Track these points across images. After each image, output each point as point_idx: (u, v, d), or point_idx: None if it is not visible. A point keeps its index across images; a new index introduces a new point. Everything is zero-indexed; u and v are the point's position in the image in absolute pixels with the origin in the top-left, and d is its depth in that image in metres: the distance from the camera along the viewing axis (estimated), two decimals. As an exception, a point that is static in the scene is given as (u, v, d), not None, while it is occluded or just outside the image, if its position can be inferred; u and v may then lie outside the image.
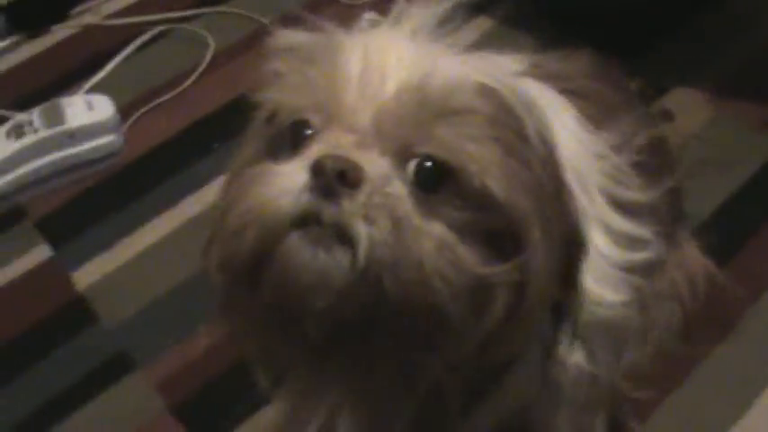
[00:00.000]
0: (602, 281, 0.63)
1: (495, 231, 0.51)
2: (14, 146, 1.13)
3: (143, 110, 1.24)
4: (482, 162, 0.49)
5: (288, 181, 0.49)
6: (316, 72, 0.52)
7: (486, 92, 0.51)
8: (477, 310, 0.50)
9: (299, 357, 0.57)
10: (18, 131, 1.14)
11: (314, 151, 0.49)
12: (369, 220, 0.47)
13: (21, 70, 1.35)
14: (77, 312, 1.02)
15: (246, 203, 0.51)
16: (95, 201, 1.15)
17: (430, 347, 0.52)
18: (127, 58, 1.33)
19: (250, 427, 0.88)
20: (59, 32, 1.41)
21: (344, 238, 0.47)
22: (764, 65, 1.23)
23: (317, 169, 0.48)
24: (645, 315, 0.73)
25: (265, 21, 1.34)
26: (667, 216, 0.78)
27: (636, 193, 0.67)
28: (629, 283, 0.65)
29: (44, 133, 1.14)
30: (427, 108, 0.49)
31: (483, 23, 1.30)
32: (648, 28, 1.26)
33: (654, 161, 0.75)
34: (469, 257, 0.49)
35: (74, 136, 1.15)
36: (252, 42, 1.32)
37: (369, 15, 1.36)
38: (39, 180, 1.16)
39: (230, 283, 0.53)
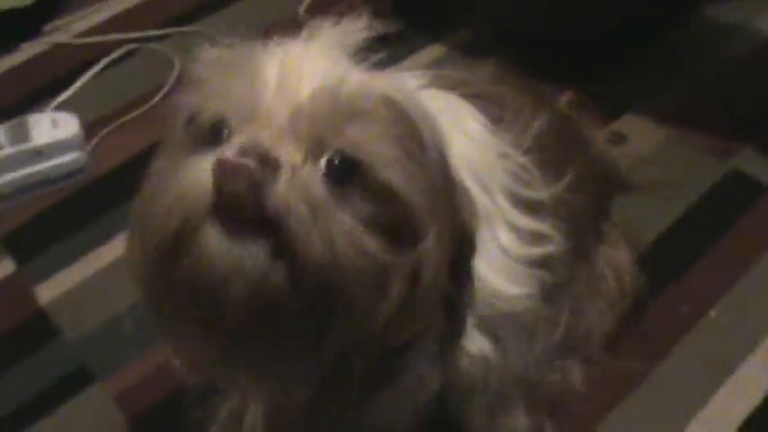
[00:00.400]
0: (504, 275, 0.67)
1: (394, 225, 0.55)
2: (-21, 162, 1.15)
3: (109, 128, 1.25)
4: (385, 159, 0.54)
5: (207, 169, 0.51)
6: (235, 78, 0.55)
7: (389, 102, 0.55)
8: (378, 294, 0.54)
9: (212, 345, 0.58)
10: (-17, 147, 1.16)
11: (233, 143, 0.52)
12: (287, 204, 0.50)
13: (-12, 87, 1.36)
14: (39, 326, 1.03)
15: (167, 192, 0.54)
16: (60, 217, 1.16)
17: (335, 329, 0.54)
18: (94, 77, 1.35)
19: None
20: (29, 49, 1.42)
21: (264, 219, 0.50)
22: (716, 94, 1.27)
23: (241, 154, 0.50)
24: (551, 309, 0.77)
25: (231, 42, 1.36)
26: (585, 211, 0.82)
27: (537, 191, 0.71)
28: (533, 276, 0.70)
29: (9, 150, 1.16)
30: (338, 110, 0.53)
31: (435, 50, 1.34)
32: (604, 55, 1.29)
33: (557, 155, 0.78)
34: (374, 245, 0.53)
35: (39, 153, 1.17)
36: (218, 62, 1.35)
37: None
38: (4, 196, 1.17)
39: (148, 273, 0.56)
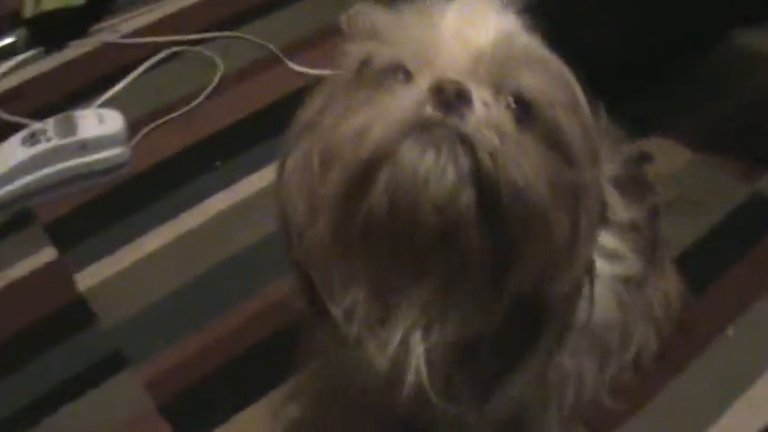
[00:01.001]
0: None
1: (559, 166, 0.58)
2: (28, 153, 1.19)
3: (152, 126, 1.30)
4: (555, 102, 0.58)
5: (404, 99, 0.55)
6: (412, 26, 0.59)
7: (551, 56, 0.60)
8: (556, 220, 0.57)
9: (394, 268, 0.59)
10: (32, 139, 1.20)
11: (422, 81, 0.56)
12: (483, 130, 0.54)
13: (39, 82, 1.41)
14: (77, 312, 1.07)
15: (359, 123, 0.56)
16: (101, 209, 1.20)
17: (519, 257, 0.57)
18: (140, 76, 1.39)
19: (232, 427, 0.93)
20: (78, 48, 1.47)
21: (464, 142, 0.53)
22: (743, 119, 1.29)
23: (438, 88, 0.54)
24: (625, 330, 0.79)
25: (273, 47, 1.41)
26: (648, 237, 0.83)
27: (619, 212, 0.73)
28: (613, 293, 0.72)
29: (56, 142, 1.20)
30: (515, 56, 0.58)
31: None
32: (635, 75, 1.32)
33: (634, 182, 0.80)
34: (554, 173, 0.57)
35: (84, 147, 1.21)
36: (259, 67, 1.39)
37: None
38: (49, 186, 1.21)
39: (342, 195, 0.57)
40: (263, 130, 1.26)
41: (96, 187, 1.23)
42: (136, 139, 1.28)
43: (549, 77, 0.59)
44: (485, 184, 0.53)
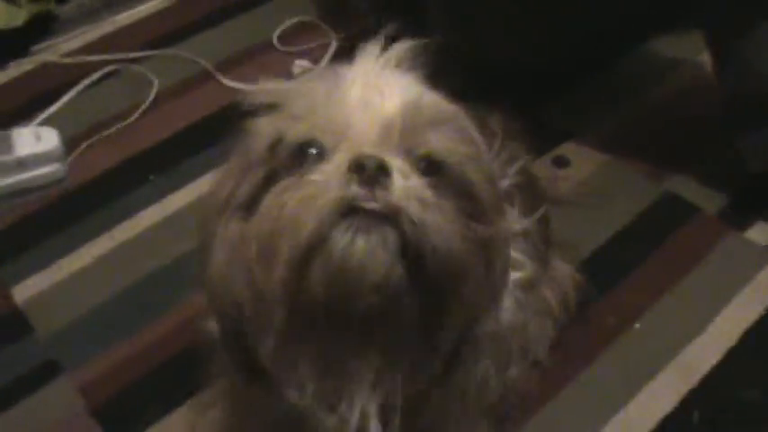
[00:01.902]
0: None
1: (471, 216, 0.63)
2: (-34, 171, 1.22)
3: (88, 142, 1.33)
4: (463, 157, 0.62)
5: (329, 179, 0.58)
6: (318, 98, 0.62)
7: (453, 111, 0.64)
8: (478, 272, 0.62)
9: (340, 347, 0.63)
10: (-29, 158, 1.23)
11: (341, 157, 0.59)
12: (406, 203, 0.57)
13: (-21, 102, 1.44)
14: (14, 323, 1.11)
15: (291, 208, 0.58)
16: (38, 223, 1.24)
17: (451, 313, 0.62)
18: (78, 94, 1.43)
19: (160, 429, 0.98)
20: (18, 67, 1.50)
21: (390, 219, 0.57)
22: (656, 122, 1.35)
23: (358, 165, 0.57)
24: (525, 332, 0.83)
25: (206, 63, 1.45)
26: (539, 241, 0.88)
27: (513, 223, 0.78)
28: (514, 298, 0.76)
29: (-6, 160, 1.23)
30: (421, 120, 0.61)
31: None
32: (552, 82, 1.37)
33: (526, 193, 0.85)
34: (471, 225, 0.62)
35: (22, 164, 1.25)
36: (193, 83, 1.43)
37: (300, 62, 1.48)
38: (-13, 203, 1.25)
39: (282, 285, 0.59)
40: (195, 144, 1.30)
41: (33, 203, 1.26)
42: (73, 156, 1.32)
43: (456, 134, 0.63)
44: (412, 254, 0.57)
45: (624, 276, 1.13)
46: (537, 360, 0.99)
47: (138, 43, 1.53)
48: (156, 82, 1.43)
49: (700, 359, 1.03)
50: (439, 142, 0.62)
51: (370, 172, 0.57)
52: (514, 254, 0.76)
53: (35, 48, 1.54)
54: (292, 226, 0.57)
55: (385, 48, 0.66)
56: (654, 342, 1.06)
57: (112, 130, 1.35)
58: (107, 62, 1.48)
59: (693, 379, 1.01)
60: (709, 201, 1.23)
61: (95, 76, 1.46)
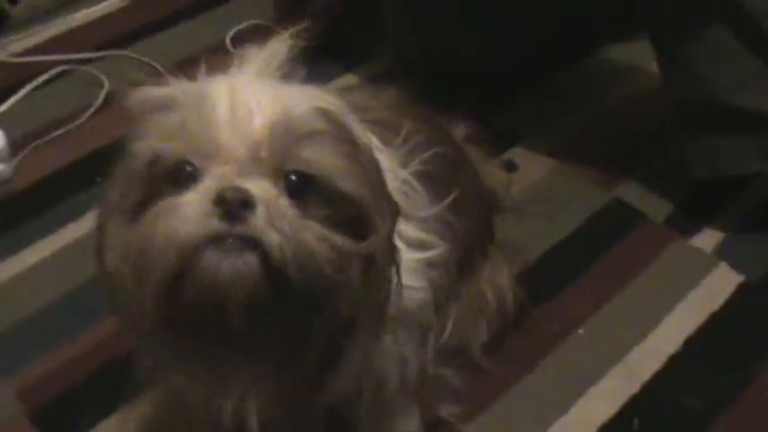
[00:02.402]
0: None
1: (351, 221, 0.64)
2: None
3: (36, 143, 1.33)
4: (333, 169, 0.63)
5: (193, 211, 0.60)
6: (188, 117, 0.62)
7: (324, 114, 0.65)
8: (346, 278, 0.64)
9: (213, 349, 0.67)
10: None
11: (207, 184, 0.61)
12: (269, 229, 0.59)
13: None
14: (-47, 326, 1.09)
15: (160, 234, 0.61)
16: (-20, 223, 1.23)
17: (321, 316, 0.65)
18: (28, 95, 1.42)
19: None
20: (-35, 68, 1.49)
21: (252, 245, 0.59)
22: (606, 129, 1.36)
23: (220, 200, 0.59)
24: (438, 308, 0.84)
25: (158, 65, 1.44)
26: (468, 232, 0.89)
27: (421, 209, 0.79)
28: (422, 273, 0.78)
29: (-62, 161, 1.22)
30: (287, 136, 0.62)
31: (348, 80, 1.43)
32: (502, 88, 1.38)
33: (444, 180, 0.86)
34: (339, 240, 0.63)
35: (-34, 164, 1.24)
36: (144, 86, 1.42)
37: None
38: (-69, 204, 1.23)
39: (152, 299, 0.62)
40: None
41: (-23, 204, 1.25)
42: (20, 156, 1.31)
43: (328, 147, 0.64)
44: (275, 275, 0.60)
45: (569, 282, 1.13)
46: (472, 361, 0.99)
47: (90, 44, 1.52)
48: (106, 83, 1.42)
49: (642, 365, 1.04)
50: (308, 157, 0.63)
51: (231, 206, 0.59)
52: (423, 234, 0.78)
53: (-16, 47, 1.53)
54: (161, 251, 0.60)
55: (262, 55, 0.67)
56: (596, 348, 1.06)
57: (61, 131, 1.35)
58: (58, 62, 1.48)
59: (635, 385, 1.02)
60: (656, 208, 1.23)
61: (45, 76, 1.45)
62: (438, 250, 0.79)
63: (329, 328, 0.67)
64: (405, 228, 0.76)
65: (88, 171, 1.28)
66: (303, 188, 0.63)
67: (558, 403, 1.00)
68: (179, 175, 0.62)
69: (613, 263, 1.16)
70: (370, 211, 0.65)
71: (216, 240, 0.59)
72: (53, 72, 1.46)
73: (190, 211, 0.60)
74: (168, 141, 0.63)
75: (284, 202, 0.61)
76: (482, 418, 0.99)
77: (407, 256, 0.76)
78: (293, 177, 0.62)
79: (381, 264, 0.67)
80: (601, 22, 1.47)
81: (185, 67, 1.46)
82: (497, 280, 1.01)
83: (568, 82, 1.43)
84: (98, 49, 1.50)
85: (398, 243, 0.75)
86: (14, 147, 1.30)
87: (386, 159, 0.78)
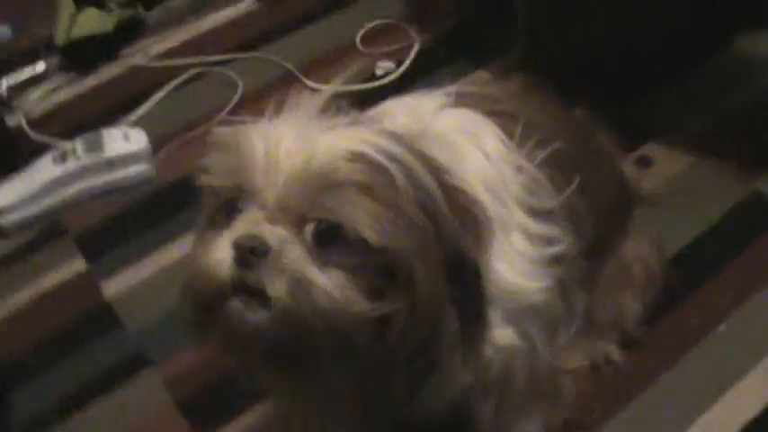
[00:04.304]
0: (520, 273, 0.74)
1: (385, 267, 0.65)
2: (59, 170, 1.27)
3: (174, 143, 1.37)
4: (360, 218, 0.63)
5: (220, 254, 0.64)
6: (234, 160, 0.66)
7: (357, 157, 0.64)
8: (378, 331, 0.65)
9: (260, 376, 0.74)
10: (63, 158, 1.28)
11: (236, 227, 0.64)
12: (275, 280, 0.62)
13: (71, 104, 1.49)
14: (104, 317, 1.14)
15: (197, 269, 0.65)
16: (128, 221, 1.28)
17: (353, 359, 0.66)
18: (165, 96, 1.47)
19: (245, 422, 1.00)
20: (107, 71, 1.55)
21: (264, 298, 0.62)
22: (743, 122, 1.32)
23: (236, 246, 0.63)
24: (567, 300, 0.83)
25: (291, 66, 1.47)
26: (601, 214, 0.87)
27: (547, 201, 0.78)
28: (547, 273, 0.77)
29: (85, 160, 1.27)
30: (313, 185, 0.63)
31: (480, 76, 1.42)
32: (637, 81, 1.35)
33: (571, 167, 0.84)
34: (358, 298, 0.64)
35: (111, 163, 1.29)
36: (277, 85, 1.45)
37: (382, 64, 1.48)
38: (79, 201, 1.29)
39: (195, 322, 0.68)
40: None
41: (123, 201, 1.30)
42: (160, 156, 1.35)
43: (353, 191, 0.63)
44: (286, 324, 0.63)
45: (709, 277, 1.11)
46: (627, 335, 1.00)
47: (223, 46, 1.56)
48: (240, 84, 1.45)
49: (786, 364, 1.01)
50: (332, 206, 0.63)
51: (244, 254, 0.62)
52: (548, 229, 0.78)
53: (124, 52, 1.59)
54: (195, 288, 0.66)
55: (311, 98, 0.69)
56: (738, 345, 1.04)
57: (198, 131, 1.38)
58: (193, 65, 1.52)
59: (779, 384, 0.99)
60: (798, 201, 1.19)
61: (182, 78, 1.49)
62: (563, 245, 0.78)
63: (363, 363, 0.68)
64: (529, 223, 0.76)
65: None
66: (329, 236, 0.64)
67: (699, 401, 0.98)
68: (231, 212, 0.66)
69: (754, 257, 1.13)
70: (408, 256, 0.64)
71: (238, 287, 0.63)
72: (189, 74, 1.50)
73: (217, 253, 0.64)
74: (218, 179, 0.67)
75: (298, 250, 0.63)
76: (620, 417, 0.97)
77: (531, 252, 0.76)
78: (318, 225, 0.64)
79: (425, 315, 0.66)
80: (733, 11, 1.43)
81: (318, 66, 1.51)
82: (641, 253, 1.00)
83: (702, 75, 1.39)
84: (230, 51, 1.54)
85: (522, 240, 0.76)
86: (155, 147, 1.35)
87: (509, 153, 0.78)
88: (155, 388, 1.05)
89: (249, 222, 0.64)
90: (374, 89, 1.39)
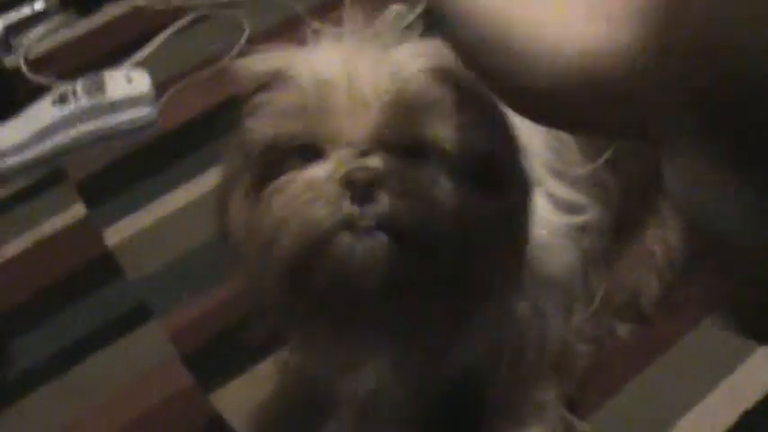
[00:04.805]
0: (542, 240, 0.70)
1: (483, 177, 0.62)
2: (59, 113, 1.23)
3: (179, 86, 1.32)
4: (453, 132, 0.61)
5: (323, 194, 0.59)
6: (306, 99, 0.61)
7: (442, 73, 0.61)
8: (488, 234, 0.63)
9: (341, 325, 0.67)
10: (62, 100, 1.23)
11: (334, 165, 0.60)
12: (400, 204, 0.58)
13: (71, 45, 1.44)
14: (105, 266, 1.11)
15: (290, 215, 0.60)
16: (129, 167, 1.24)
17: (457, 282, 0.63)
18: (168, 38, 1.42)
19: (253, 375, 0.97)
20: (110, 11, 1.49)
21: (384, 224, 0.58)
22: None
23: (349, 181, 0.59)
24: (587, 278, 0.80)
25: (299, 8, 1.42)
26: (628, 190, 0.84)
27: (575, 167, 0.74)
28: (570, 242, 0.73)
29: (85, 102, 1.23)
30: (405, 111, 0.60)
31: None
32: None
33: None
34: (471, 197, 0.61)
35: (113, 106, 1.24)
36: (284, 28, 1.40)
37: (395, 7, 1.43)
38: (79, 145, 1.25)
39: (280, 278, 0.62)
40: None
41: (125, 146, 1.26)
42: (163, 99, 1.30)
43: (448, 109, 0.61)
44: (409, 250, 0.59)
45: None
46: (641, 314, 0.97)
47: (229, -13, 1.50)
48: (247, 27, 1.40)
49: (816, 324, 0.97)
50: (428, 126, 0.61)
51: (360, 188, 0.58)
52: (575, 196, 0.74)
53: (126, -8, 1.53)
54: (292, 233, 0.60)
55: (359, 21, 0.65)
56: None
57: (202, 74, 1.33)
58: (198, 6, 1.46)
59: (807, 344, 0.96)
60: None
61: (186, 19, 1.44)
62: (590, 214, 0.75)
63: (461, 296, 0.65)
64: (554, 187, 0.73)
65: (232, 114, 1.27)
66: (428, 155, 0.61)
67: (724, 362, 0.95)
68: (302, 156, 0.61)
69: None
70: (501, 166, 0.63)
71: (348, 224, 0.59)
72: (194, 16, 1.45)
73: (319, 193, 0.59)
74: (288, 121, 0.62)
75: (411, 174, 0.60)
76: (643, 378, 0.95)
77: (555, 218, 0.72)
78: (416, 147, 0.61)
79: (520, 221, 0.65)
80: None
81: (327, 9, 1.45)
82: (665, 235, 0.96)
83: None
84: (237, -8, 1.48)
85: (546, 204, 0.72)
86: (158, 90, 1.30)
87: None
88: (158, 340, 1.02)
89: (347, 158, 0.60)
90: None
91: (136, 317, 1.04)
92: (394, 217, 0.58)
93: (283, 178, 0.61)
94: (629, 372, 0.95)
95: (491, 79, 0.49)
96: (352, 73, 0.60)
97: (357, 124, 0.60)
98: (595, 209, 0.75)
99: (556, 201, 0.72)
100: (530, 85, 0.44)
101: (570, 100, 0.42)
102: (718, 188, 0.37)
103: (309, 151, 0.61)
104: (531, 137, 0.71)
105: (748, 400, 0.93)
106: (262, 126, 0.63)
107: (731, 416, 0.92)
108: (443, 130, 0.61)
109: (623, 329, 0.97)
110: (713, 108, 0.35)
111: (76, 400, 0.98)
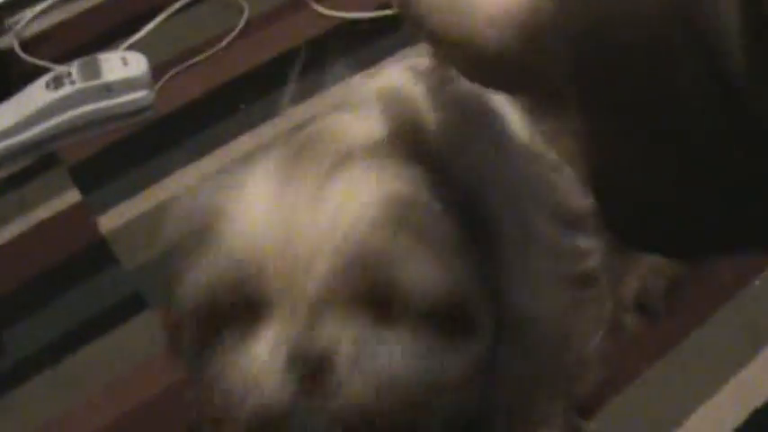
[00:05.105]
0: (537, 298, 0.61)
1: (450, 315, 0.52)
2: (52, 96, 1.19)
3: (176, 69, 1.29)
4: (416, 269, 0.51)
5: (265, 376, 0.49)
6: (227, 263, 0.51)
7: (398, 203, 0.51)
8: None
9: None
10: (56, 83, 1.20)
11: (276, 335, 0.49)
12: (352, 381, 0.49)
13: (66, 26, 1.41)
14: (99, 254, 1.08)
15: (234, 394, 0.50)
16: (125, 152, 1.20)
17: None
18: (166, 20, 1.38)
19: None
20: (105, -8, 1.46)
21: (334, 407, 0.49)
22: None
23: (294, 360, 0.49)
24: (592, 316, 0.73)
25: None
26: None
27: (575, 201, 0.63)
28: (573, 295, 0.65)
29: (80, 85, 1.20)
30: (353, 257, 0.50)
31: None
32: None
33: None
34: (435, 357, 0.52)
35: (108, 89, 1.21)
36: (285, 10, 1.37)
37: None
38: (73, 129, 1.22)
39: None
40: (288, 72, 1.25)
41: (120, 130, 1.23)
42: (160, 83, 1.28)
43: (404, 248, 0.50)
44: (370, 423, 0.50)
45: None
46: (648, 308, 0.95)
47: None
48: (246, 8, 1.37)
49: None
50: (386, 267, 0.50)
51: (307, 367, 0.48)
52: (579, 241, 0.64)
53: (123, -28, 1.50)
54: (240, 418, 0.49)
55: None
56: (775, 299, 0.98)
57: (201, 57, 1.31)
58: (197, -13, 1.43)
59: (818, 341, 0.94)
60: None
61: (184, 0, 1.41)
62: (596, 258, 0.66)
63: None
64: (554, 235, 0.63)
65: (230, 98, 1.25)
66: (384, 300, 0.50)
67: (731, 360, 0.93)
68: (244, 318, 0.51)
69: (790, 209, 1.07)
70: (466, 307, 0.53)
71: (296, 410, 0.48)
72: (191, -3, 1.42)
73: (261, 376, 0.49)
74: (223, 282, 0.52)
75: (366, 335, 0.50)
76: (648, 376, 0.92)
77: (555, 270, 0.63)
78: (374, 300, 0.50)
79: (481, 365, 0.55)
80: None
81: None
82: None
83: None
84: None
85: (545, 261, 0.62)
86: (155, 74, 1.27)
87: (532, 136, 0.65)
88: (153, 331, 0.99)
89: (291, 325, 0.49)
90: (388, 17, 1.31)
91: (130, 307, 1.02)
92: (347, 403, 0.48)
93: (221, 358, 0.51)
94: (635, 369, 0.93)
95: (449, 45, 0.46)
96: (287, 226, 0.51)
97: (299, 283, 0.50)
98: (600, 248, 0.66)
99: (557, 251, 0.63)
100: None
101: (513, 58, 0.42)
102: None
103: (251, 312, 0.51)
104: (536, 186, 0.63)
105: (758, 397, 0.91)
106: (198, 282, 0.54)
107: (741, 414, 0.90)
108: (404, 277, 0.50)
109: (629, 327, 0.95)
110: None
111: (70, 391, 0.96)
